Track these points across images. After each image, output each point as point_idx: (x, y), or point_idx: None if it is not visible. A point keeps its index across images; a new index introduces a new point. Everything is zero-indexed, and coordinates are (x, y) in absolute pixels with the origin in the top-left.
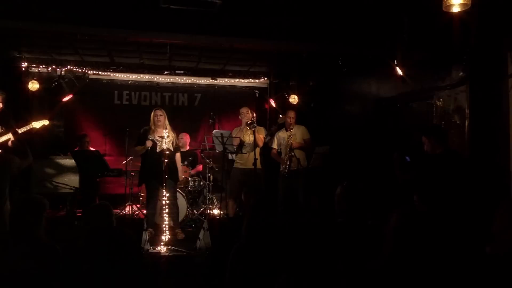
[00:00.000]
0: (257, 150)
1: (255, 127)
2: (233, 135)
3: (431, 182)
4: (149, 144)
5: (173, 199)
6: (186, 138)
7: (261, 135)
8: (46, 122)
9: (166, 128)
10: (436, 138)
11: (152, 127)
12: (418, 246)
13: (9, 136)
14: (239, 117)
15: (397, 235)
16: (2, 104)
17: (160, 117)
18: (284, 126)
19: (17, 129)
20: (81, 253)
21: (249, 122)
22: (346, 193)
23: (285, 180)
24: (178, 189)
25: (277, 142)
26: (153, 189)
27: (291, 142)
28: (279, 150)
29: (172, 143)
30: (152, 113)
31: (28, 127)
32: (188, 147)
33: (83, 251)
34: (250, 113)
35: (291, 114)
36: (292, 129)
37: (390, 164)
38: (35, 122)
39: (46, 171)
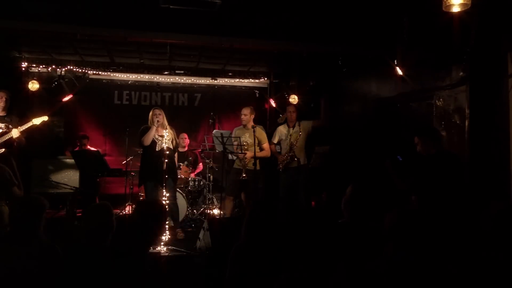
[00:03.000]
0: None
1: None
2: (233, 135)
3: (427, 183)
4: (157, 124)
5: (173, 199)
6: (187, 138)
7: (265, 145)
8: (45, 118)
9: (166, 127)
10: (430, 139)
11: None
12: (416, 246)
13: (11, 134)
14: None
15: (394, 234)
16: (5, 100)
17: (158, 116)
18: (285, 121)
19: (18, 127)
20: (81, 253)
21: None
22: (355, 194)
23: (285, 178)
24: (178, 189)
25: (278, 138)
26: (153, 189)
27: (292, 141)
28: (278, 150)
29: (172, 142)
30: (151, 112)
31: (28, 125)
32: (186, 148)
33: (83, 251)
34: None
35: (291, 108)
36: (293, 126)
37: (385, 172)
38: (35, 119)
39: (46, 171)
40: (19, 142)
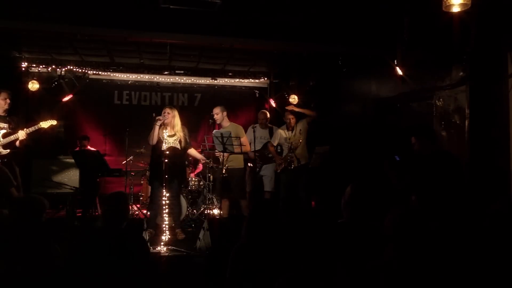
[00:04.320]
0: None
1: None
2: (246, 135)
3: (424, 183)
4: (159, 123)
5: (174, 200)
6: None
7: (243, 139)
8: (54, 122)
9: (173, 127)
10: (427, 139)
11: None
12: (416, 246)
13: (17, 136)
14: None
15: (394, 234)
16: (9, 102)
17: (167, 115)
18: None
19: (25, 129)
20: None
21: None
22: (355, 194)
23: (285, 177)
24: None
25: (278, 141)
26: (156, 189)
27: (293, 145)
28: (279, 150)
29: (180, 142)
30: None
31: (36, 127)
32: None
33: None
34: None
35: (289, 115)
36: (293, 129)
37: (383, 173)
38: (43, 122)
39: (46, 171)
40: (23, 143)
